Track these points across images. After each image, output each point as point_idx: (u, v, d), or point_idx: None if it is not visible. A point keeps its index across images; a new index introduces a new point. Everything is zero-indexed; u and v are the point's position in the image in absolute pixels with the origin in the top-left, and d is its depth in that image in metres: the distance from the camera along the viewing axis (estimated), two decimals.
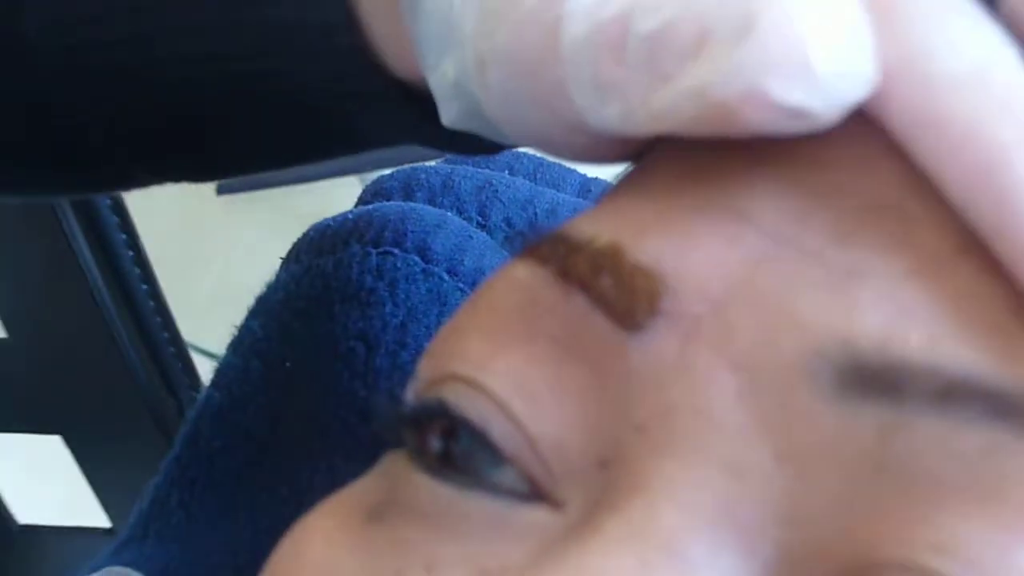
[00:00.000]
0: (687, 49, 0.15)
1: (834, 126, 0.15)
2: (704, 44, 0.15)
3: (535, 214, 0.38)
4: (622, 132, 0.17)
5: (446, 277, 0.34)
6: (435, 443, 0.18)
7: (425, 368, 0.19)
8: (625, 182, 0.19)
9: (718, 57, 0.15)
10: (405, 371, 0.33)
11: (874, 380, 0.14)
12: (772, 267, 0.16)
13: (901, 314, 0.15)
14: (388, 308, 0.34)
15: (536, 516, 0.17)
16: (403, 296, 0.34)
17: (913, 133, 0.15)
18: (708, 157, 0.17)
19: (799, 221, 0.16)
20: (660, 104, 0.16)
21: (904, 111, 0.15)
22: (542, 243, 0.18)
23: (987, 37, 0.15)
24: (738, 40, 0.14)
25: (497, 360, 0.18)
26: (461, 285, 0.34)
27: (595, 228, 0.17)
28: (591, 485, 0.17)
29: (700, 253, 0.16)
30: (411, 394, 0.19)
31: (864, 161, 0.16)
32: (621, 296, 0.16)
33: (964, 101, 0.14)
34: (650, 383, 0.16)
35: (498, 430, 0.17)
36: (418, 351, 0.33)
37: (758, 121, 0.15)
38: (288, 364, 0.35)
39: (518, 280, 0.18)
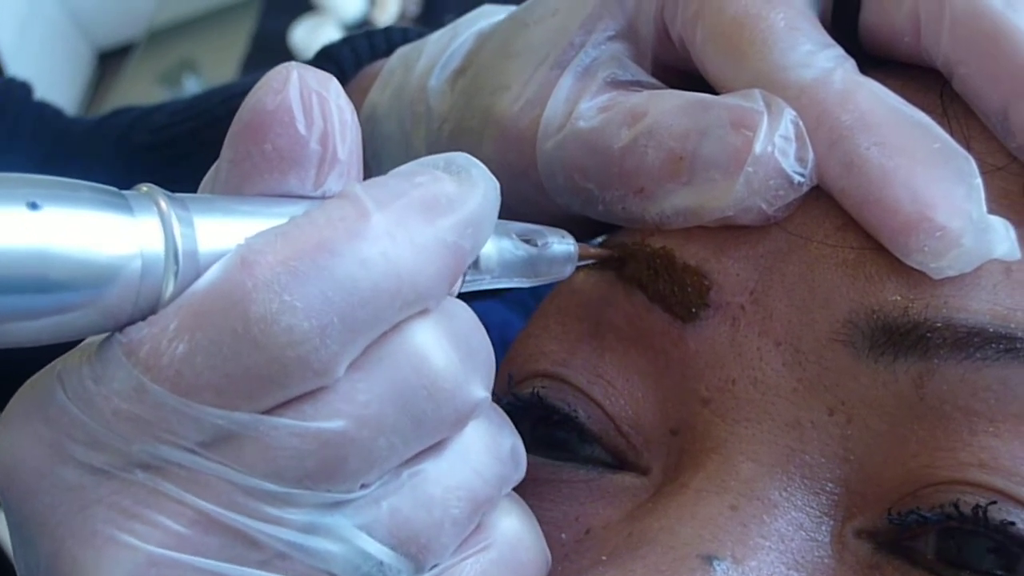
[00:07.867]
0: (663, 173, 0.19)
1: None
2: (682, 171, 0.19)
3: None
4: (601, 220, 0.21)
5: None
6: (529, 429, 0.21)
7: (508, 369, 0.22)
8: None
9: (712, 188, 0.19)
10: None
11: (902, 339, 0.18)
12: (796, 256, 0.19)
13: (912, 284, 0.18)
14: None
15: (625, 480, 0.20)
16: None
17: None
18: None
19: (811, 219, 0.19)
20: (647, 215, 0.20)
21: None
22: (599, 252, 0.21)
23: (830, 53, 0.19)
24: (729, 175, 0.19)
25: (574, 355, 0.21)
26: None
27: (646, 239, 0.20)
28: (666, 452, 0.20)
29: (735, 251, 0.20)
30: (497, 393, 0.22)
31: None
32: (676, 292, 0.20)
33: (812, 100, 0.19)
34: (708, 363, 0.19)
35: (583, 414, 0.21)
36: None
37: (748, 222, 0.19)
38: None
39: (580, 286, 0.21)
